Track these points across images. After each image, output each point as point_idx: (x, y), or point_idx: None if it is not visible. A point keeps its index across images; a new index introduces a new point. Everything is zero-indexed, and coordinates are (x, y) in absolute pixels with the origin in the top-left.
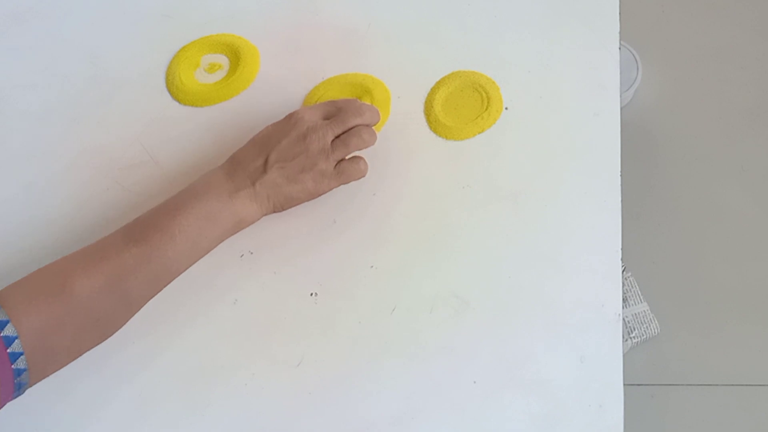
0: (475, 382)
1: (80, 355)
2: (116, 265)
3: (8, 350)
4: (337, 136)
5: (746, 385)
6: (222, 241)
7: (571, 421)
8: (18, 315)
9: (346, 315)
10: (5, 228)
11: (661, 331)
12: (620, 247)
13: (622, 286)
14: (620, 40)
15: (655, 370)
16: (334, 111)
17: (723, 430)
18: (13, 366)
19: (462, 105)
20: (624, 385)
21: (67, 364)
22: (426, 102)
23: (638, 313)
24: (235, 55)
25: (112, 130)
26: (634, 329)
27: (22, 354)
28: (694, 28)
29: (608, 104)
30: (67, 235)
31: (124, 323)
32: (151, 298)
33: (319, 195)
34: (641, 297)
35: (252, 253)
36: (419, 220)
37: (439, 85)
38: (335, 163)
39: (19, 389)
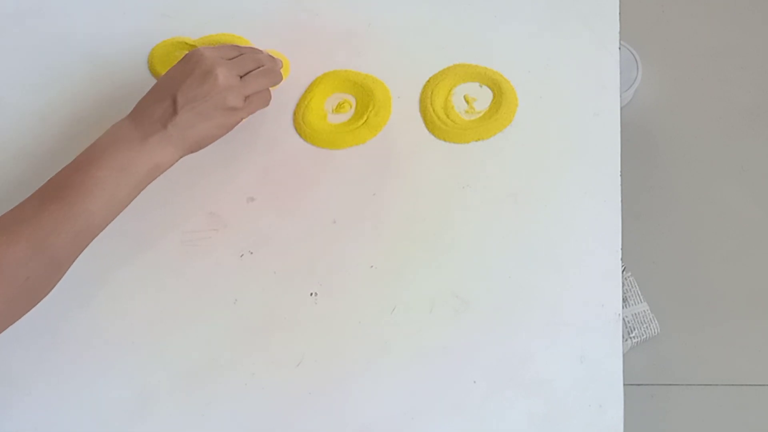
0: (475, 382)
1: (14, 321)
2: (36, 227)
3: None
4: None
5: (746, 385)
6: (140, 190)
7: (571, 421)
8: None
9: (346, 315)
10: None
11: (661, 331)
12: (620, 247)
13: (622, 286)
14: (620, 40)
15: (655, 370)
16: (234, 53)
17: (723, 430)
18: None
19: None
20: (624, 385)
21: (4, 329)
22: (425, 102)
23: (638, 313)
24: None
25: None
26: (634, 329)
27: None
28: (694, 28)
29: (608, 104)
30: None
31: (54, 285)
32: (78, 255)
33: (232, 128)
34: (641, 297)
35: (252, 253)
36: (419, 220)
37: (439, 80)
38: (244, 98)
39: None
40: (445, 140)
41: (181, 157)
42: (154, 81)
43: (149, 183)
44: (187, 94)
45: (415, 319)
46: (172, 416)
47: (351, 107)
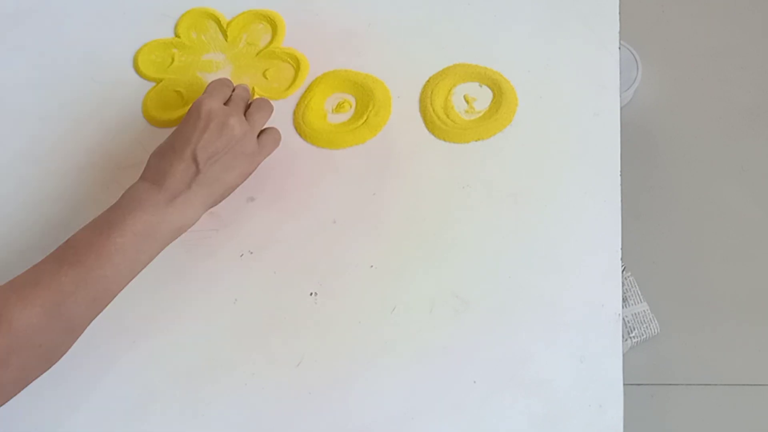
0: (475, 382)
1: (28, 384)
2: (53, 292)
3: None
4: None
5: (746, 385)
6: (160, 251)
7: (571, 421)
8: None
9: (346, 315)
10: (4, 228)
11: (661, 331)
12: (620, 247)
13: (622, 286)
14: (620, 40)
15: (655, 370)
16: (227, 91)
17: (723, 430)
18: None
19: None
20: (624, 384)
21: (16, 394)
22: (425, 102)
23: (638, 313)
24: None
25: (112, 130)
26: (634, 329)
27: None
28: (694, 28)
29: (608, 104)
30: (67, 235)
31: (68, 348)
32: (93, 319)
33: (250, 174)
34: (641, 297)
35: (252, 253)
36: (419, 220)
37: (439, 80)
38: (256, 138)
39: None
40: (445, 140)
41: (204, 213)
42: (143, 81)
43: (170, 243)
44: (207, 150)
45: (415, 319)
46: (172, 416)
47: (351, 107)
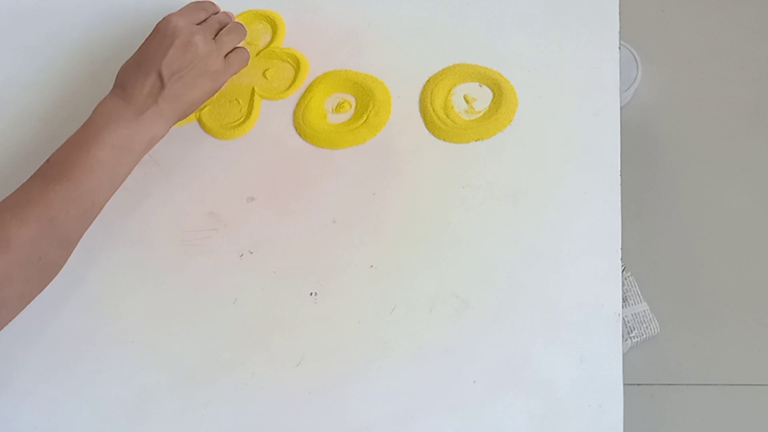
0: (475, 382)
1: (30, 301)
2: (45, 208)
3: None
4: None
5: (746, 385)
6: (138, 162)
7: (570, 421)
8: None
9: (346, 315)
10: None
11: (661, 331)
12: (620, 247)
13: (622, 286)
14: (620, 40)
15: (654, 369)
16: (201, 15)
17: (723, 430)
18: None
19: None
20: (624, 384)
21: (21, 309)
22: (425, 102)
23: (638, 313)
24: None
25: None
26: (634, 329)
27: None
28: (694, 28)
29: (608, 104)
30: None
31: (65, 262)
32: (84, 232)
33: (217, 91)
34: (641, 297)
35: (252, 253)
36: (419, 220)
37: (439, 80)
38: (223, 59)
39: None
40: (445, 140)
41: (172, 126)
42: None
43: (146, 154)
44: (171, 67)
45: (415, 319)
46: (172, 416)
47: (351, 107)
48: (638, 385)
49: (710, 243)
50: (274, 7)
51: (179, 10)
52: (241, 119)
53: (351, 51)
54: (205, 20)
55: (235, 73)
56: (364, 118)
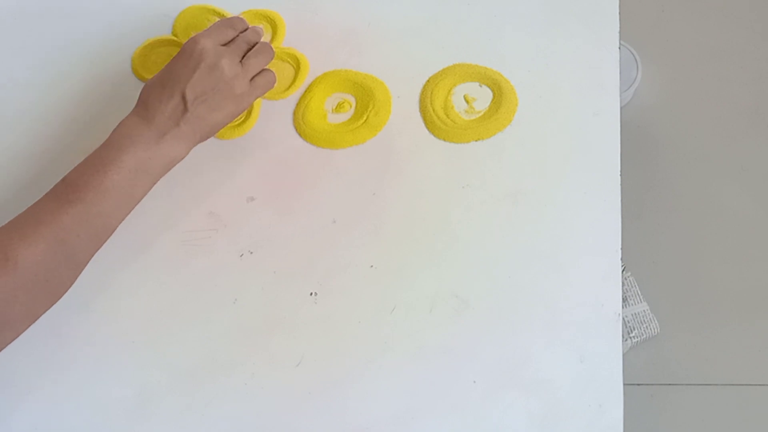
0: (475, 382)
1: (35, 320)
2: (55, 228)
3: None
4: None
5: (746, 385)
6: (154, 184)
7: (570, 421)
8: None
9: (346, 315)
10: None
11: (661, 331)
12: (620, 247)
13: (622, 286)
14: (620, 40)
15: (654, 369)
16: (230, 33)
17: (723, 430)
18: None
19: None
20: (624, 384)
21: (25, 330)
22: (425, 102)
23: (638, 313)
24: None
25: (112, 130)
26: (634, 329)
27: None
28: (694, 28)
29: (608, 104)
30: None
31: (72, 283)
32: (94, 254)
33: (241, 113)
34: (641, 297)
35: (252, 253)
36: (419, 220)
37: (438, 80)
38: (249, 82)
39: None
40: (445, 140)
41: (192, 148)
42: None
43: (163, 176)
44: (196, 89)
45: (415, 319)
46: (172, 416)
47: (351, 107)
48: (638, 385)
49: (710, 243)
50: (274, 7)
51: (207, 30)
52: (241, 119)
53: (351, 51)
54: (232, 39)
55: (260, 96)
56: (364, 118)
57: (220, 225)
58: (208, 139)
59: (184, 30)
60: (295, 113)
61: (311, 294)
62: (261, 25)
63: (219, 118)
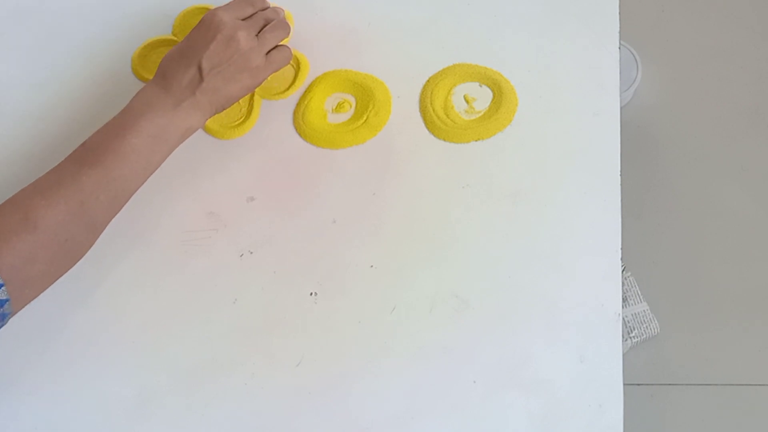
0: (475, 382)
1: (55, 281)
2: (75, 191)
3: None
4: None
5: (746, 385)
6: (171, 152)
7: (570, 421)
8: None
9: (346, 315)
10: None
11: (661, 331)
12: (620, 247)
13: (622, 286)
14: (620, 40)
15: (654, 369)
16: (248, 10)
17: (723, 430)
18: None
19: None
20: (624, 384)
21: (46, 288)
22: (425, 102)
23: (638, 313)
24: None
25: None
26: (634, 329)
27: (2, 285)
28: (694, 28)
29: (608, 104)
30: None
31: (91, 246)
32: (112, 218)
33: (256, 87)
34: (641, 297)
35: (252, 253)
36: (419, 220)
37: (439, 80)
38: (264, 56)
39: (2, 319)
40: (445, 140)
41: (207, 119)
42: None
43: (180, 145)
44: (212, 60)
45: (415, 319)
46: (172, 416)
47: (351, 107)
48: (638, 385)
49: (710, 243)
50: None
51: (227, 4)
52: (241, 119)
53: (351, 51)
54: (251, 16)
55: (276, 71)
56: (364, 118)
57: (220, 225)
58: (208, 139)
59: (184, 30)
60: (295, 113)
61: (311, 294)
62: (280, 8)
63: (234, 89)
